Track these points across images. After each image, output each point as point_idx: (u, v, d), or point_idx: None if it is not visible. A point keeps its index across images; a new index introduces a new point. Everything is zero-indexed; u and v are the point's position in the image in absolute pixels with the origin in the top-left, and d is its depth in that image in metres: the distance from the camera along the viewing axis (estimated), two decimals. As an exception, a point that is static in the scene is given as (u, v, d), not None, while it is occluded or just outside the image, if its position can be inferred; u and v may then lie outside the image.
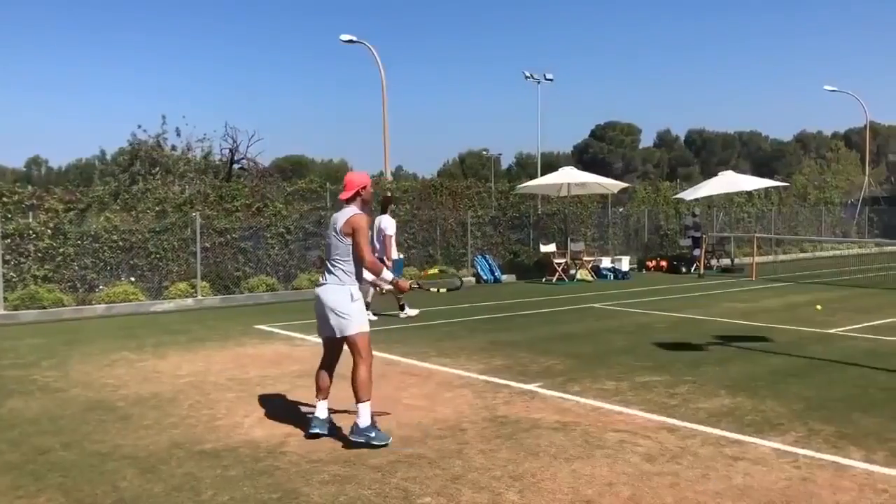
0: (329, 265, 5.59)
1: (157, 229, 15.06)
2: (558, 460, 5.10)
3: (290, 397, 7.03)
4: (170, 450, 5.45)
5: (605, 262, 20.01)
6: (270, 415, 6.39)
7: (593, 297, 15.33)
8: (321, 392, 5.74)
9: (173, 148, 23.65)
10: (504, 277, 19.24)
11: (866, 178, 37.82)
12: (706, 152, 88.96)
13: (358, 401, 5.40)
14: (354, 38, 26.09)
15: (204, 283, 15.06)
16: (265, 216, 16.52)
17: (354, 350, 5.48)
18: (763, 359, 8.64)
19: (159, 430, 5.96)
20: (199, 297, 14.73)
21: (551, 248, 19.80)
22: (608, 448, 5.37)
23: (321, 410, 5.70)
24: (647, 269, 22.20)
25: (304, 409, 6.56)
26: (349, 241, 5.43)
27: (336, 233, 5.48)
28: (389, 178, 25.37)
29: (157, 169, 21.09)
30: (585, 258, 19.55)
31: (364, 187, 5.63)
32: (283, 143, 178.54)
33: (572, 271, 19.08)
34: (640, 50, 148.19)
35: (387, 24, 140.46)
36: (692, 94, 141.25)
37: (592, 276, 19.21)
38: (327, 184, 18.56)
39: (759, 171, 53.87)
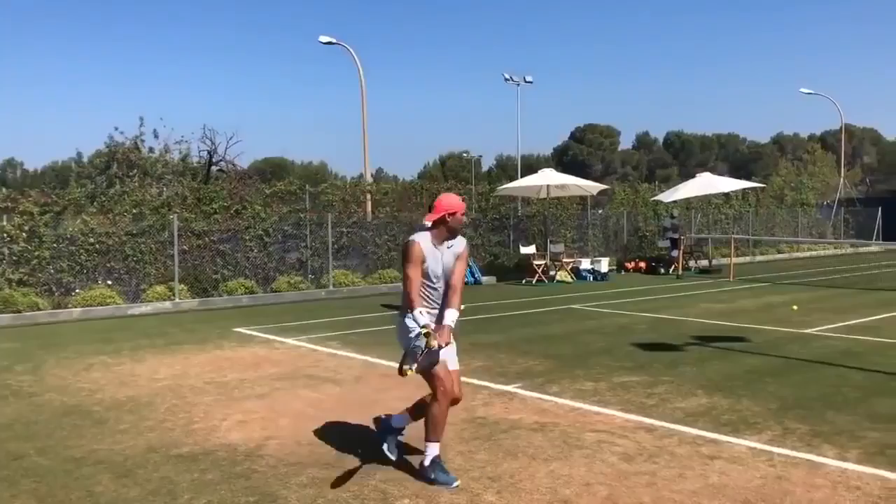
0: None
1: (135, 232, 14.93)
2: (536, 461, 5.12)
3: (268, 400, 6.99)
4: (146, 454, 5.40)
5: (585, 264, 20.09)
6: (248, 418, 6.35)
7: (573, 298, 15.38)
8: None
9: (151, 150, 23.46)
10: (484, 279, 19.26)
11: (842, 179, 38.29)
12: (684, 154, 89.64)
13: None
14: (334, 40, 25.99)
15: (182, 286, 14.94)
16: (244, 218, 16.43)
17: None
18: (740, 359, 8.72)
19: (135, 435, 5.90)
20: (177, 301, 14.62)
21: (531, 249, 19.85)
22: (586, 448, 5.39)
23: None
24: (626, 270, 22.31)
25: (281, 410, 6.54)
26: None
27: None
28: (370, 180, 25.32)
29: (135, 171, 20.89)
30: (565, 260, 19.62)
31: (452, 214, 4.82)
32: (263, 146, 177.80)
33: (552, 273, 19.14)
34: (619, 53, 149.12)
35: (366, 26, 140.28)
36: (671, 97, 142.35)
37: (572, 277, 19.29)
38: (307, 186, 18.50)
39: (736, 173, 54.36)
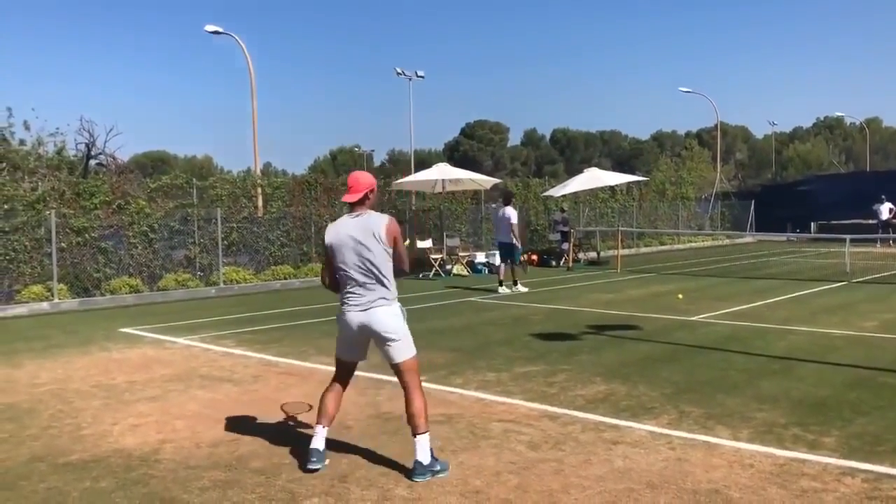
0: (367, 281, 4.85)
1: (7, 229, 13.98)
2: (445, 453, 5.09)
3: (161, 402, 6.68)
4: (30, 464, 5.05)
5: (480, 257, 20.32)
6: (142, 421, 6.04)
7: (470, 291, 15.51)
8: (325, 418, 5.00)
9: (22, 143, 22.12)
10: (380, 274, 19.12)
11: (718, 174, 40.33)
12: (570, 150, 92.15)
13: (416, 432, 4.76)
14: (221, 29, 25.20)
15: (61, 285, 14.11)
16: (127, 214, 15.67)
17: (408, 377, 5.00)
18: (633, 346, 9.01)
19: (17, 444, 5.51)
20: (56, 301, 13.79)
21: (427, 243, 19.91)
22: (493, 438, 5.42)
23: (320, 440, 4.91)
24: (520, 262, 22.68)
25: (176, 413, 6.26)
26: (391, 250, 4.86)
27: (380, 242, 4.80)
28: (259, 173, 24.72)
29: (4, 165, 19.60)
30: (461, 253, 19.79)
31: (372, 190, 4.95)
32: (143, 139, 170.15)
33: (448, 266, 19.26)
34: (507, 50, 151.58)
35: (253, 17, 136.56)
36: (557, 95, 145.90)
37: (468, 270, 19.47)
38: (194, 180, 17.85)
39: (619, 168, 56.33)
